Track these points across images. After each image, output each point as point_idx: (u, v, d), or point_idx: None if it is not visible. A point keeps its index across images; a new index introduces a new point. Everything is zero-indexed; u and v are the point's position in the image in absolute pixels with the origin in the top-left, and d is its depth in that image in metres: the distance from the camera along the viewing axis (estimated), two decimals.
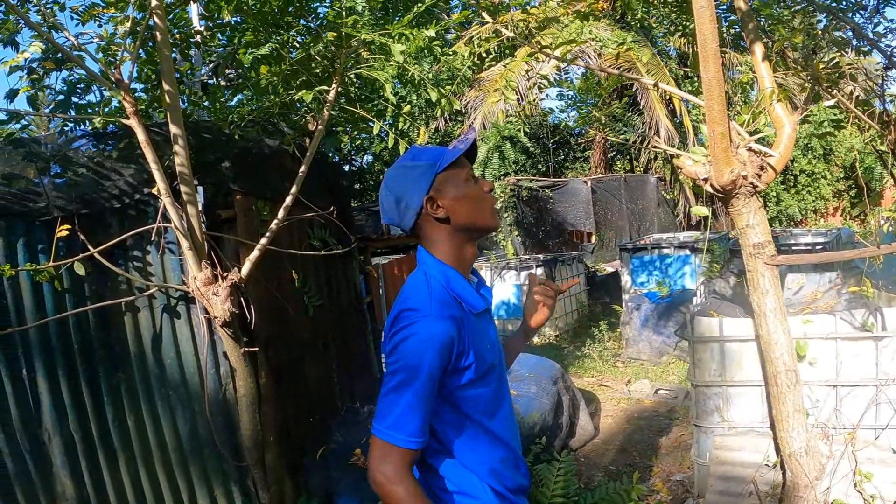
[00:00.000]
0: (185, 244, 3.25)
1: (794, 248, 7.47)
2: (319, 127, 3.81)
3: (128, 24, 3.00)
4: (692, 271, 8.05)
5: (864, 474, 3.34)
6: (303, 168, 3.79)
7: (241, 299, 3.50)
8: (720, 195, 3.28)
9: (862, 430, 3.43)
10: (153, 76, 3.73)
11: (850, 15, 3.47)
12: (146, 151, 3.02)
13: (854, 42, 3.54)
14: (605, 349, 7.92)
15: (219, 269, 3.43)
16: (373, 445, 1.31)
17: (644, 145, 13.77)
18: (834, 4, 3.39)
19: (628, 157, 15.39)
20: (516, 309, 9.39)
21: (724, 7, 4.06)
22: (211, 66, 4.89)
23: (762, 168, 3.23)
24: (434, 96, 3.91)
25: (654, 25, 11.42)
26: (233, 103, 4.30)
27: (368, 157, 14.36)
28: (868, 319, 3.42)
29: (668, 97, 11.90)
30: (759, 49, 3.45)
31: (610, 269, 11.68)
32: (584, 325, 9.68)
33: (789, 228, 9.77)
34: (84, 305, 3.09)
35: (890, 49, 3.28)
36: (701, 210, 3.54)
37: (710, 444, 3.77)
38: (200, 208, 3.44)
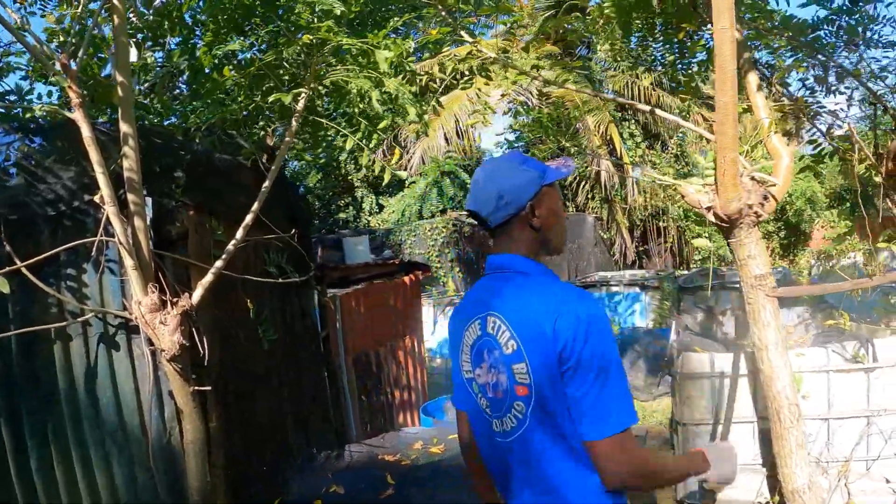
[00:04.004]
0: (129, 263, 2.78)
1: (735, 283, 7.59)
2: (287, 139, 3.44)
3: (79, 8, 2.57)
4: (642, 309, 8.04)
5: None
6: (267, 183, 3.40)
7: (193, 330, 3.04)
8: (724, 224, 3.15)
9: (854, 461, 3.32)
10: (97, 71, 3.27)
11: (839, 52, 3.49)
12: (91, 151, 2.56)
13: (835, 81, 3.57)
14: None
15: (168, 293, 2.96)
16: (610, 446, 1.32)
17: (582, 185, 14.03)
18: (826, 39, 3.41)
19: (565, 196, 15.62)
20: None
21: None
22: (146, 84, 4.41)
23: (765, 198, 3.14)
24: (413, 113, 3.63)
25: (597, 65, 11.74)
26: (182, 109, 3.85)
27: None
28: (859, 351, 3.35)
29: (608, 137, 12.17)
30: (753, 79, 3.39)
31: None
32: None
33: (733, 267, 10.05)
34: (6, 329, 2.56)
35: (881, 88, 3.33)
36: (703, 243, 3.40)
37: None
38: (148, 222, 2.99)
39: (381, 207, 14.65)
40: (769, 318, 3.17)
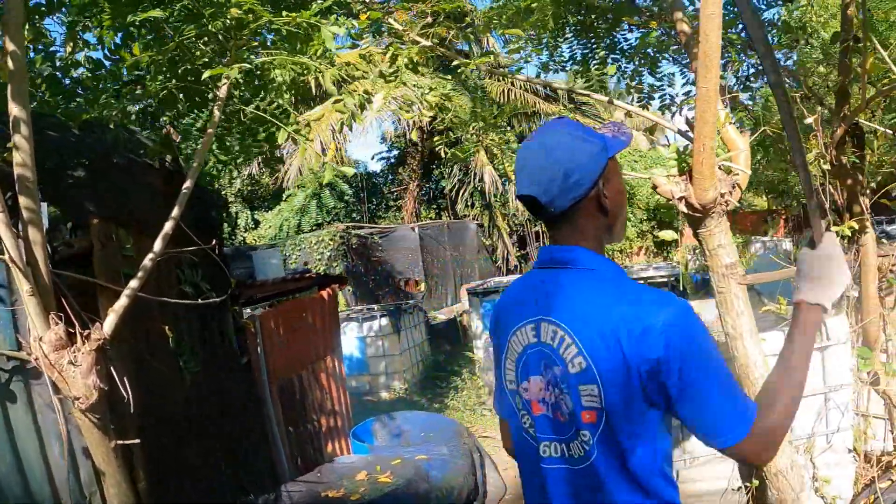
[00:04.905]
0: (24, 287, 2.15)
1: (641, 281, 7.87)
2: (210, 130, 2.91)
3: None
4: None
5: (823, 479, 3.32)
6: (188, 183, 2.84)
7: (110, 369, 2.43)
8: (697, 214, 3.09)
9: (817, 437, 3.42)
10: None
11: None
12: None
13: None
14: (470, 399, 7.51)
15: (77, 324, 2.33)
16: (751, 444, 1.14)
17: (460, 192, 14.08)
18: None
19: (435, 205, 15.57)
20: (360, 363, 8.61)
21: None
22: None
23: (733, 186, 3.13)
24: (350, 103, 3.23)
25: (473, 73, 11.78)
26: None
27: None
28: None
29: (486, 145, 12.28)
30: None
31: (442, 317, 11.44)
32: (430, 376, 9.21)
33: (630, 265, 10.45)
34: None
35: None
36: (668, 234, 3.33)
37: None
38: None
39: (256, 223, 13.69)
40: (742, 306, 3.15)
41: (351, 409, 5.22)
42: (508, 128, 13.30)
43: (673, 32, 3.84)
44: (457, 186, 14.22)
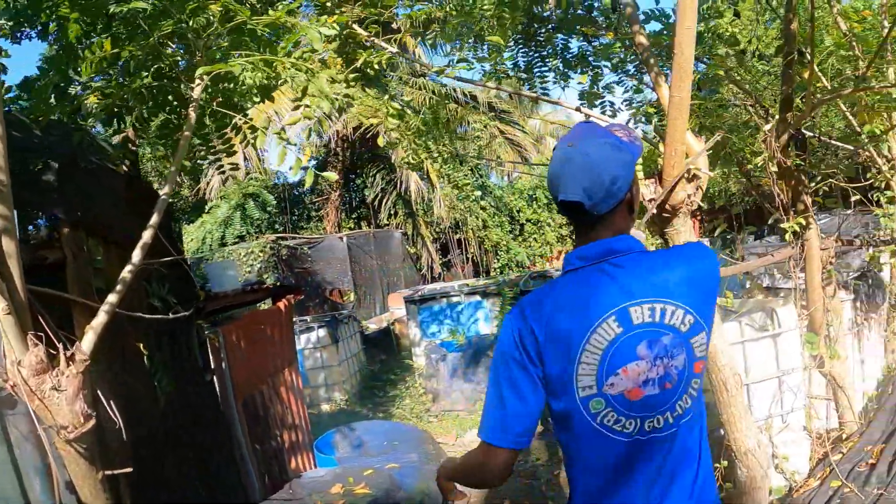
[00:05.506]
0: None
1: None
2: (186, 133, 2.76)
3: None
4: (486, 316, 8.17)
5: (782, 456, 3.58)
6: (166, 189, 2.71)
7: (97, 393, 2.26)
8: (666, 215, 3.26)
9: (774, 418, 3.67)
10: None
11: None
12: None
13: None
14: (415, 406, 7.48)
15: (62, 345, 2.14)
16: None
17: (384, 201, 13.99)
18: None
19: (356, 214, 15.37)
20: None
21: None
22: None
23: (697, 188, 3.32)
24: (326, 107, 3.16)
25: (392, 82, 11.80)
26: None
27: None
28: (766, 321, 3.71)
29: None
30: (663, 82, 3.57)
31: (374, 326, 11.31)
32: (369, 385, 9.08)
33: (548, 269, 10.71)
34: None
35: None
36: (639, 235, 3.48)
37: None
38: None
39: (179, 236, 12.99)
40: None
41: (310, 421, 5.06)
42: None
43: (628, 43, 4.04)
44: (380, 196, 14.14)
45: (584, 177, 1.32)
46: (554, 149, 1.44)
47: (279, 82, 3.08)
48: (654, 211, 3.31)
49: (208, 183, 11.49)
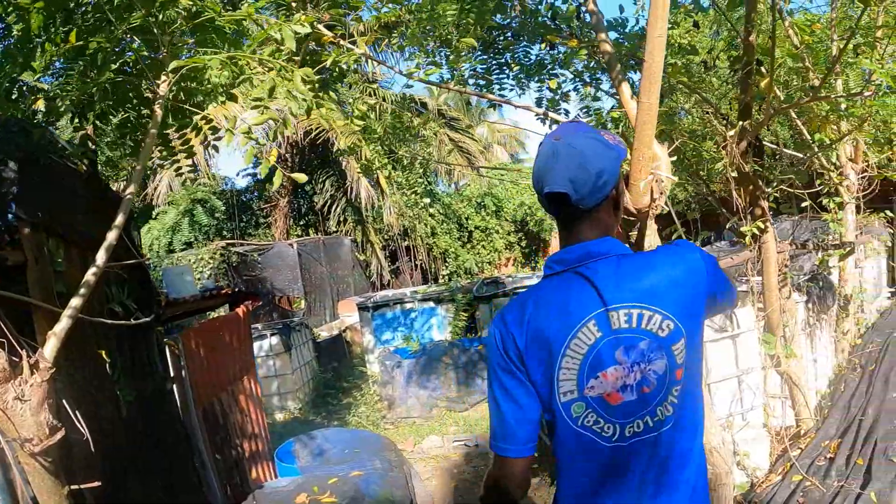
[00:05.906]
0: None
1: (520, 289, 8.20)
2: (153, 131, 2.65)
3: None
4: (439, 323, 8.15)
5: (743, 453, 3.70)
6: (131, 188, 2.58)
7: (61, 402, 2.13)
8: (632, 218, 3.33)
9: (734, 416, 3.79)
10: None
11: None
12: None
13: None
14: (372, 413, 7.37)
15: (26, 351, 2.01)
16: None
17: (333, 207, 13.80)
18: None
19: (304, 220, 15.10)
20: None
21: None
22: None
23: (661, 192, 3.41)
24: (295, 107, 3.09)
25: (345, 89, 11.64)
26: None
27: None
28: (725, 322, 3.83)
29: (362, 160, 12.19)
30: (626, 89, 3.66)
31: (325, 334, 11.12)
32: (322, 393, 8.91)
33: (512, 275, 10.79)
34: None
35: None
36: None
37: None
38: None
39: None
40: None
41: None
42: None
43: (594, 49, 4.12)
44: (329, 202, 13.95)
45: (571, 167, 1.32)
46: (539, 145, 1.43)
47: (244, 80, 3.00)
48: (622, 215, 3.38)
49: (156, 188, 11.06)
